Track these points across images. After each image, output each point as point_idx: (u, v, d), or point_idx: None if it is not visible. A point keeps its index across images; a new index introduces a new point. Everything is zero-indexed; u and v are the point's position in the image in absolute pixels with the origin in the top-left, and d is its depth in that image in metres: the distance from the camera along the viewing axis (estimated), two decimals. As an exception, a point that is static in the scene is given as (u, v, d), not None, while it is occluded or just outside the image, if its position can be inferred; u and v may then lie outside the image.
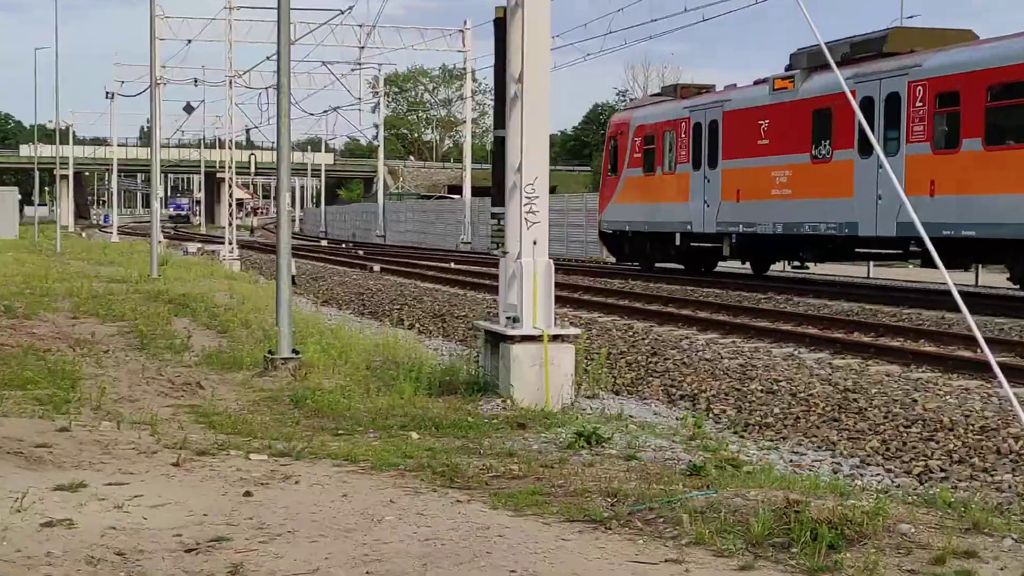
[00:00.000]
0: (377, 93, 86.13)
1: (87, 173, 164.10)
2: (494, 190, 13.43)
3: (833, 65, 8.49)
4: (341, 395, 12.23)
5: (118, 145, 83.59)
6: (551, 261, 12.72)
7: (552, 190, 71.83)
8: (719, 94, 32.50)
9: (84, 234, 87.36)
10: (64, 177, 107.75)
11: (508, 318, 12.65)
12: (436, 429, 10.72)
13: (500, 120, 13.27)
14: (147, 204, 38.91)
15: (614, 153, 37.10)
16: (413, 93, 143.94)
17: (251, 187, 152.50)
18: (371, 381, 13.27)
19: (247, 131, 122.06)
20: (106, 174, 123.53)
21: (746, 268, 34.99)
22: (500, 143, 13.18)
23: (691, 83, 36.74)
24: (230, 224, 44.50)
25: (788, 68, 29.23)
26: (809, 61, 28.31)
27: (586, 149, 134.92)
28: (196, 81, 64.29)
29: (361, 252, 52.65)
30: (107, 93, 72.91)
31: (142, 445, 9.69)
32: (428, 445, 9.99)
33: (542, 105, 12.73)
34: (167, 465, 8.86)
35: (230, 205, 46.66)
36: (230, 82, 47.99)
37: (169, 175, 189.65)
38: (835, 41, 27.64)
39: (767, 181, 29.51)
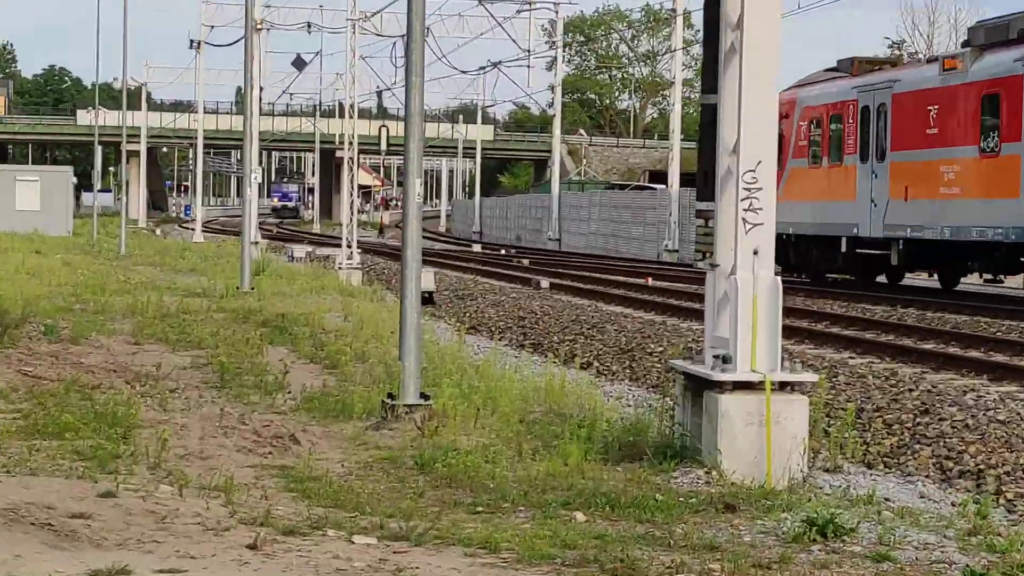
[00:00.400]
0: (554, 44, 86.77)
1: (164, 149, 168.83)
2: (700, 179, 13.36)
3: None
4: (483, 458, 12.29)
5: (205, 112, 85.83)
6: (778, 278, 12.59)
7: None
8: (891, 72, 36.23)
9: (159, 231, 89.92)
10: (134, 154, 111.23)
11: (716, 357, 12.55)
12: (611, 509, 10.69)
13: (710, 82, 13.19)
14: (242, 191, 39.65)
15: (779, 140, 37.79)
16: (604, 44, 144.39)
17: (381, 171, 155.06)
18: (525, 440, 13.30)
19: (378, 94, 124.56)
20: (190, 150, 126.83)
21: (934, 281, 38.47)
22: (709, 114, 13.10)
23: (873, 56, 41.30)
24: (351, 220, 45.22)
25: (964, 44, 32.71)
26: (986, 37, 31.33)
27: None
28: (309, 26, 65.72)
29: (526, 262, 53.05)
30: (191, 42, 74.98)
31: (211, 519, 9.87)
32: (598, 531, 9.96)
33: (769, 60, 12.61)
34: (241, 548, 9.00)
35: (352, 195, 47.37)
36: (354, 27, 48.81)
37: (273, 153, 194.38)
38: (1016, 14, 30.58)
39: (935, 177, 32.87)
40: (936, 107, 32.84)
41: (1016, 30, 30.26)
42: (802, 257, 39.84)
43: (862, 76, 36.99)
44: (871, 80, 36.36)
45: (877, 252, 36.18)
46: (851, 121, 36.78)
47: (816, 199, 38.20)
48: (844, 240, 36.95)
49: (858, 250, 36.77)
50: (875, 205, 35.41)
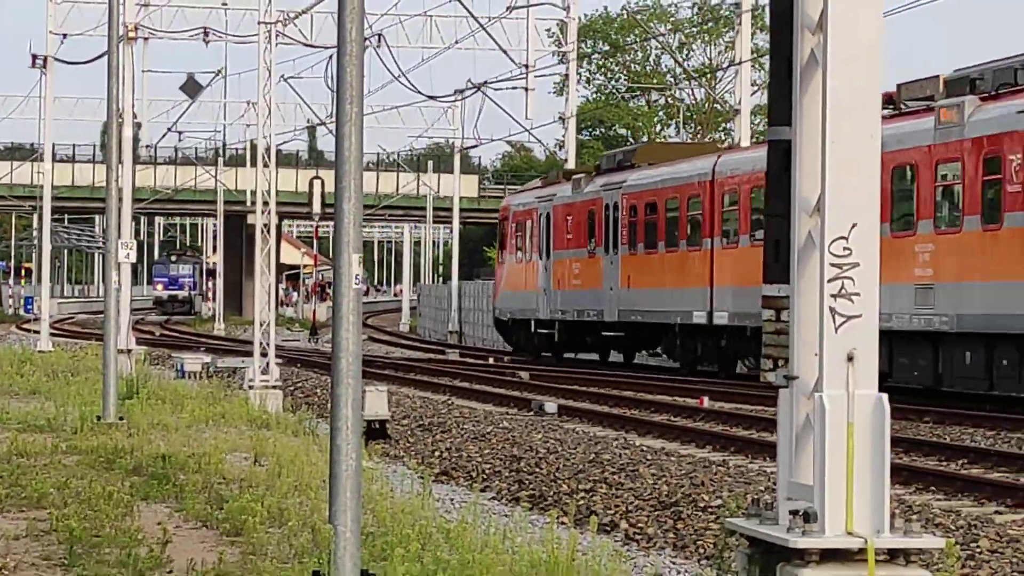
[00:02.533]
0: (565, 56, 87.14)
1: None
2: (769, 251, 13.38)
3: None
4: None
5: (56, 161, 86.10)
6: (884, 396, 12.55)
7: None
8: (555, 187, 68.83)
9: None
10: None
11: (794, 513, 12.52)
12: None
13: (782, 110, 13.24)
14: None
15: (500, 239, 76.82)
16: (639, 56, 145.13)
17: (315, 244, 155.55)
18: (516, 639, 13.24)
19: (310, 132, 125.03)
20: (33, 216, 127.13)
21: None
22: (780, 156, 13.14)
23: (573, 168, 73.30)
24: (267, 318, 45.29)
25: (597, 168, 70.79)
26: (606, 163, 66.77)
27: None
28: (206, 33, 66.01)
29: (525, 375, 53.07)
30: (34, 58, 75.13)
31: None
32: None
33: (867, 77, 12.64)
34: None
35: (269, 279, 47.46)
36: (270, 34, 49.04)
37: (155, 219, 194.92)
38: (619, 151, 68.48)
39: (571, 272, 65.11)
40: (571, 217, 65.23)
41: (616, 161, 64.98)
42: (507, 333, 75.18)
43: (545, 187, 68.36)
44: (544, 192, 68.03)
45: (545, 331, 68.66)
46: (535, 225, 67.66)
47: (520, 288, 70.32)
48: (531, 321, 70.20)
49: (539, 330, 69.21)
50: (546, 294, 66.91)
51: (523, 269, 68.97)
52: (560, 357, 67.52)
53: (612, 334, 63.05)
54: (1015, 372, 37.59)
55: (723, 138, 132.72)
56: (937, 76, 42.27)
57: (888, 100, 42.15)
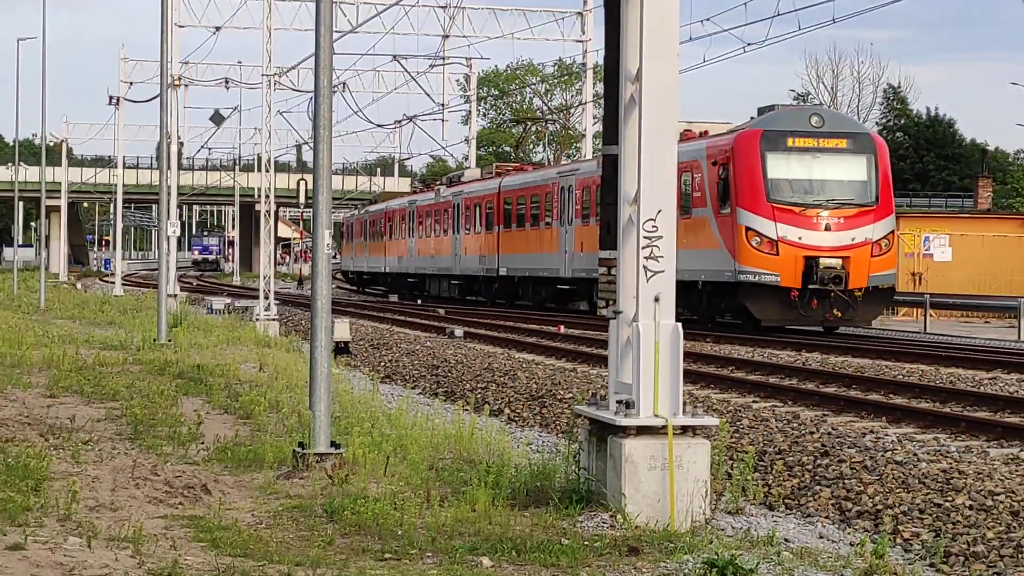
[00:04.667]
0: (468, 98, 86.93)
1: (85, 204, 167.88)
2: (602, 228, 13.37)
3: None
4: (392, 505, 12.21)
5: (125, 167, 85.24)
6: (679, 325, 12.60)
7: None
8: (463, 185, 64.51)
9: (79, 285, 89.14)
10: (55, 209, 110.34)
11: (619, 402, 12.55)
12: (517, 553, 10.67)
13: (612, 133, 13.24)
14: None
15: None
16: (518, 98, 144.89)
17: (300, 223, 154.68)
18: (434, 486, 13.25)
19: (297, 148, 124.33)
20: (110, 205, 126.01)
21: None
22: (611, 164, 13.14)
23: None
24: (269, 272, 45.01)
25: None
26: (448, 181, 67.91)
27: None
28: (227, 82, 65.41)
29: (442, 311, 52.95)
30: (111, 98, 74.43)
31: (119, 570, 9.76)
32: (504, 575, 9.92)
33: (668, 112, 12.67)
34: (147, 598, 8.89)
35: (270, 247, 47.19)
36: (270, 82, 48.70)
37: (193, 207, 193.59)
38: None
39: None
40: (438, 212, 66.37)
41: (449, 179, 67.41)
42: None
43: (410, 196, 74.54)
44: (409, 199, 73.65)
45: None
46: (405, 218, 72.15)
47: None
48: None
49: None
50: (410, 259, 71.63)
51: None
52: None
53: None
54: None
55: (575, 153, 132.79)
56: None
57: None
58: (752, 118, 39.38)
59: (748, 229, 36.10)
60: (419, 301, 64.85)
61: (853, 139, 37.65)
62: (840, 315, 36.17)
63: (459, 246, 62.71)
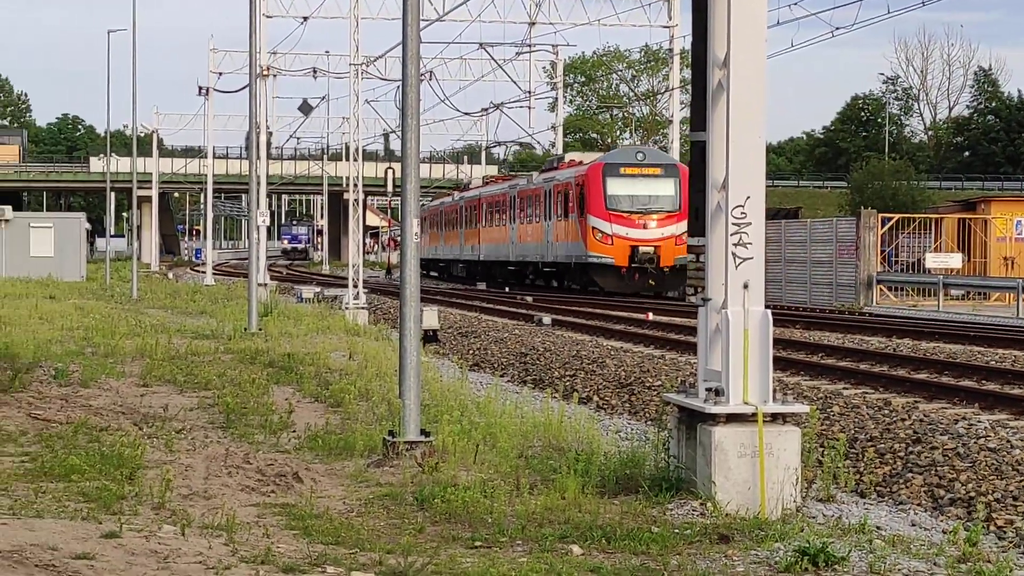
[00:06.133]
0: (555, 85, 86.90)
1: (176, 194, 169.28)
2: (691, 215, 13.34)
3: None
4: (482, 493, 12.25)
5: (215, 157, 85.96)
6: (768, 312, 12.55)
7: (795, 214, 72.36)
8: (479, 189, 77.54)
9: (170, 274, 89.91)
10: (146, 200, 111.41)
11: (709, 390, 12.52)
12: (607, 542, 10.67)
13: (700, 120, 13.19)
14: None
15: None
16: (604, 84, 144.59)
17: (388, 212, 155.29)
18: (524, 474, 13.27)
19: (384, 137, 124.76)
20: (200, 195, 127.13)
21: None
22: (699, 151, 13.09)
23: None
24: (357, 261, 45.18)
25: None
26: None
27: (841, 157, 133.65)
28: (315, 72, 65.83)
29: (529, 299, 52.98)
30: (200, 89, 75.08)
31: (212, 558, 9.85)
32: (593, 564, 9.94)
33: (756, 97, 12.61)
34: (240, 586, 8.97)
35: (358, 235, 47.40)
36: (357, 72, 48.90)
37: (282, 196, 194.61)
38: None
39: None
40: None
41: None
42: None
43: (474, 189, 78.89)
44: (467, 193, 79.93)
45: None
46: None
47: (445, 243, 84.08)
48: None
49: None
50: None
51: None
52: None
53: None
54: None
55: (660, 140, 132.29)
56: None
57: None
58: (602, 155, 59.60)
59: (594, 228, 53.40)
60: (507, 289, 64.90)
61: (665, 168, 54.41)
62: (654, 284, 52.87)
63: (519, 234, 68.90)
